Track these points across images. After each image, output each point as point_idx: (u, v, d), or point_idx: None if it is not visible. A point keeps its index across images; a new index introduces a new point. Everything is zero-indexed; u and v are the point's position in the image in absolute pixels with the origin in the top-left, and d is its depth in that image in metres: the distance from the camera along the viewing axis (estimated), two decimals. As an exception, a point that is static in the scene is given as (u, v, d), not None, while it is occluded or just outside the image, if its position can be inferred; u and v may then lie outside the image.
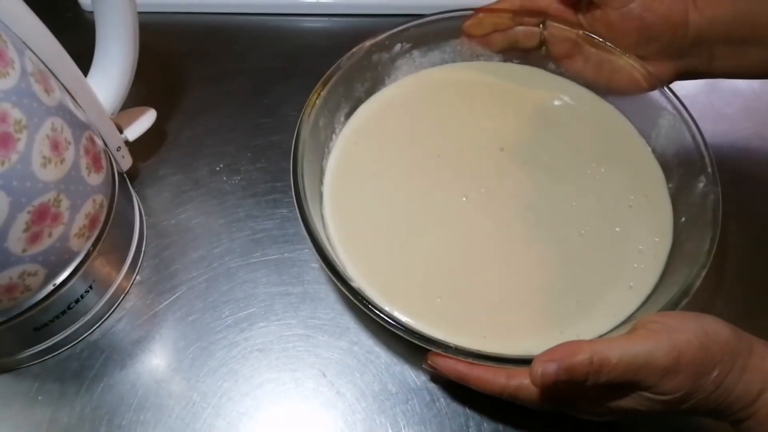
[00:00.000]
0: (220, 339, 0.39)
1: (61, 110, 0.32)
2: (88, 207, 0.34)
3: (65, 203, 0.32)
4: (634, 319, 0.36)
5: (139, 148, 0.45)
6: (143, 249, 0.43)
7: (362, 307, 0.34)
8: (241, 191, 0.45)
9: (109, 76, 0.39)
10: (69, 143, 0.32)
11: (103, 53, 0.40)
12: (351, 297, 0.34)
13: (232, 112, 0.49)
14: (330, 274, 0.35)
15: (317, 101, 0.41)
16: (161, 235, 0.44)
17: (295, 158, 0.38)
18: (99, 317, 0.40)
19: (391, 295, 0.37)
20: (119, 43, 0.39)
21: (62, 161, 0.32)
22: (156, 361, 0.39)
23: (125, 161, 0.43)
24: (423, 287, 0.38)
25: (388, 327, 0.33)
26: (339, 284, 0.34)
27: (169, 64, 0.52)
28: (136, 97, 0.44)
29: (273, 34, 0.54)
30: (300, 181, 0.38)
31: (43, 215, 0.31)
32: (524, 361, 0.32)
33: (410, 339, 0.33)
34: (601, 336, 0.36)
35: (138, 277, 0.42)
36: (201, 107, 0.50)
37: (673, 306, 0.34)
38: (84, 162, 0.34)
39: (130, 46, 0.39)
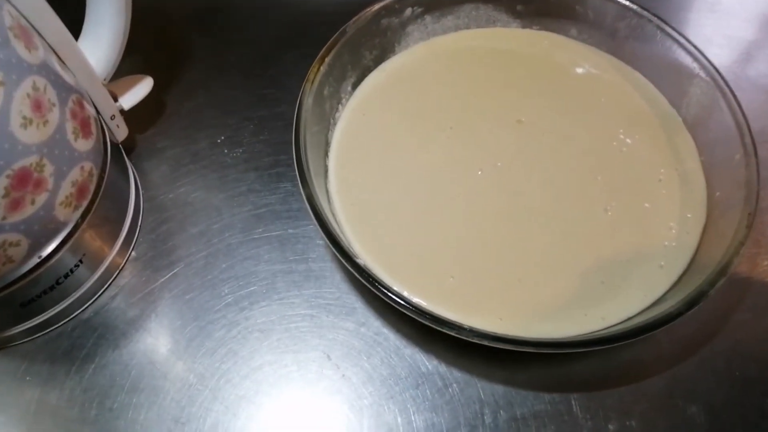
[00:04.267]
0: (219, 318, 0.37)
1: (45, 70, 0.30)
2: (75, 174, 0.32)
3: (49, 168, 0.30)
4: (664, 301, 0.33)
5: (136, 119, 0.42)
6: (139, 224, 0.40)
7: (369, 286, 0.31)
8: (243, 164, 0.43)
9: (101, 39, 0.37)
10: (53, 105, 0.30)
11: (94, 15, 0.37)
12: (357, 275, 0.32)
13: (234, 83, 0.47)
14: (335, 251, 0.32)
15: (321, 68, 0.38)
16: (158, 209, 0.41)
17: (298, 128, 0.36)
18: (91, 294, 0.37)
19: (400, 274, 0.35)
20: (111, 4, 0.36)
21: (45, 123, 0.29)
22: (151, 340, 0.36)
23: (120, 131, 0.40)
24: (434, 266, 0.35)
25: (396, 307, 0.31)
26: (344, 261, 0.32)
27: (168, 33, 0.50)
28: (133, 68, 0.42)
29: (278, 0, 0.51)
30: (303, 153, 0.35)
31: (23, 180, 0.28)
32: (544, 344, 0.30)
33: (420, 320, 0.31)
34: (629, 319, 0.33)
35: (133, 252, 0.39)
36: (201, 78, 0.47)
37: (709, 286, 0.31)
38: (70, 126, 0.31)
39: (122, 6, 0.36)
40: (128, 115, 0.41)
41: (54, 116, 0.30)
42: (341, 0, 0.50)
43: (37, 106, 0.29)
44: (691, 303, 0.31)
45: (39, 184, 0.29)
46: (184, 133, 0.44)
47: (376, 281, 0.31)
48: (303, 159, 0.35)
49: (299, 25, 0.49)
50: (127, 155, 0.42)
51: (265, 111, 0.45)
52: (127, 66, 0.41)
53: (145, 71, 0.42)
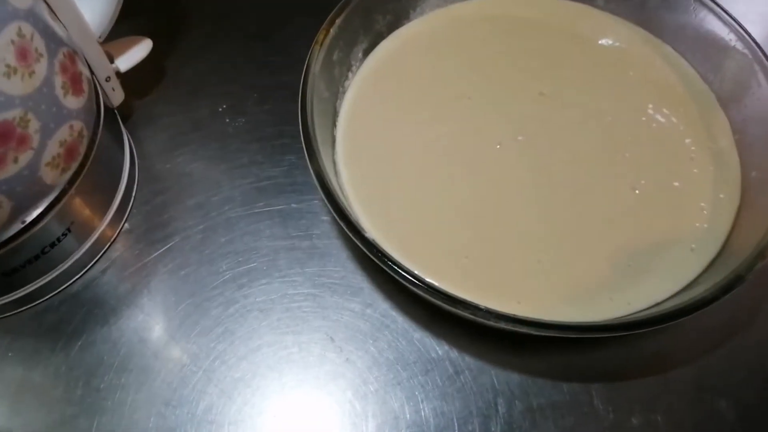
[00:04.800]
0: (216, 296, 0.35)
1: (33, 17, 0.28)
2: (63, 133, 0.29)
3: (34, 124, 0.27)
4: (696, 286, 0.31)
5: (134, 85, 0.40)
6: (133, 194, 0.38)
7: (378, 262, 0.29)
8: (246, 135, 0.40)
9: (96, -7, 0.35)
10: (41, 55, 0.28)
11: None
12: (365, 250, 0.29)
13: (238, 49, 0.44)
14: (341, 224, 0.30)
15: (331, 30, 0.35)
16: (155, 179, 0.39)
17: (304, 94, 0.33)
18: (80, 267, 0.35)
19: (411, 253, 0.32)
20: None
21: (31, 74, 0.27)
22: (142, 318, 0.34)
23: (116, 95, 0.38)
24: (448, 245, 0.33)
25: (407, 285, 0.28)
26: (351, 234, 0.29)
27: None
28: (132, 31, 0.40)
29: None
30: (309, 121, 0.33)
31: (6, 136, 0.26)
32: (567, 328, 0.27)
33: (433, 300, 0.28)
34: (657, 305, 0.30)
35: (126, 224, 0.37)
36: (204, 43, 0.44)
37: (747, 270, 0.28)
38: (59, 80, 0.29)
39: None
40: (125, 81, 0.38)
41: (41, 68, 0.28)
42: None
43: (23, 54, 0.26)
44: (726, 287, 0.28)
45: (23, 140, 0.27)
46: (184, 101, 0.42)
47: (386, 257, 0.29)
48: (310, 127, 0.32)
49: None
50: (123, 122, 0.39)
51: (269, 79, 0.43)
52: (126, 29, 0.39)
53: (144, 35, 0.40)
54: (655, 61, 0.38)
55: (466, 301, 0.28)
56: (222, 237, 0.36)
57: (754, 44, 0.35)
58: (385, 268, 0.29)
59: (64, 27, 0.32)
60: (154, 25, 0.45)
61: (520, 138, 0.35)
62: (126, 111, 0.41)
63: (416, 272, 0.31)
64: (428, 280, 0.31)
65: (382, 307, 0.34)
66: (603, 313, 0.30)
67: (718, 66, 0.37)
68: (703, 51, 0.37)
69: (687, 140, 0.35)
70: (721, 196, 0.34)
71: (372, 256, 0.29)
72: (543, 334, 0.27)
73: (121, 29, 0.38)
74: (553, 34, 0.40)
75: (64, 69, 0.30)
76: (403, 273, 0.28)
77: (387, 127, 0.37)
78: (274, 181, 0.39)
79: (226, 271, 0.35)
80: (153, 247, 0.36)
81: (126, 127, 0.40)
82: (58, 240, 0.32)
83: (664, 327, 0.28)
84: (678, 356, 0.33)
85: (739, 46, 0.35)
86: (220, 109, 0.41)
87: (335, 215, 0.30)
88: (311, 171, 0.31)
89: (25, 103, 0.27)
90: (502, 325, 0.27)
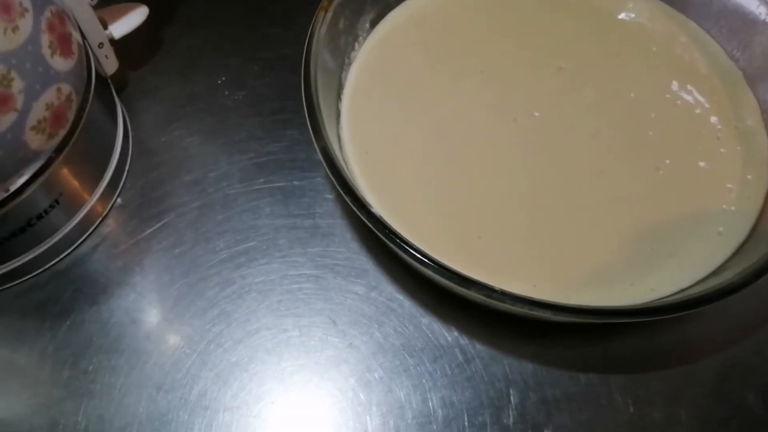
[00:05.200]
0: (212, 276, 0.33)
1: (17, -32, 0.25)
2: (49, 96, 0.27)
3: (18, 84, 0.25)
4: (724, 271, 0.29)
5: (129, 55, 0.38)
6: (127, 168, 0.36)
7: (385, 239, 0.27)
8: (245, 109, 0.38)
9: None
10: (26, 10, 0.26)
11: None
12: (371, 226, 0.27)
13: (239, 20, 0.42)
14: (348, 199, 0.28)
15: (337, -4, 0.33)
16: (150, 153, 0.37)
17: (308, 62, 0.31)
18: (70, 242, 0.33)
19: (420, 232, 0.30)
20: None
21: (15, 29, 0.25)
22: (134, 297, 0.32)
23: (109, 63, 0.36)
24: (460, 224, 0.31)
25: (416, 264, 0.27)
26: (357, 210, 0.27)
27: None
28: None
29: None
30: (313, 91, 0.31)
31: (-15, 95, 0.24)
32: (586, 312, 0.25)
33: (444, 281, 0.26)
34: (682, 291, 0.28)
35: (119, 199, 0.35)
36: (203, 13, 0.42)
37: (781, 254, 0.26)
38: (46, 39, 0.27)
39: None
40: (121, 51, 0.36)
41: (26, 23, 0.26)
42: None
43: (5, 7, 0.24)
44: (757, 273, 0.26)
45: (6, 101, 0.25)
46: (181, 73, 0.40)
47: (394, 234, 0.27)
48: (314, 95, 0.30)
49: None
50: (117, 94, 0.37)
51: (270, 52, 0.41)
52: (122, -5, 0.37)
53: (142, 3, 0.38)
54: (679, 37, 0.36)
55: (480, 282, 0.26)
56: (219, 215, 0.35)
57: (786, 18, 0.33)
58: (392, 246, 0.27)
59: (54, -15, 0.30)
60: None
61: (536, 113, 0.33)
62: (121, 82, 0.39)
63: (426, 251, 0.30)
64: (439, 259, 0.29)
65: (387, 289, 0.32)
66: (624, 299, 0.28)
67: (746, 42, 0.35)
68: (730, 26, 0.35)
69: (713, 119, 0.33)
70: (749, 177, 0.32)
71: (379, 233, 0.27)
72: (560, 318, 0.25)
73: (117, -5, 0.36)
74: (572, 7, 0.38)
75: (51, 27, 0.28)
76: (411, 251, 0.26)
77: (395, 101, 0.35)
78: (274, 157, 0.37)
79: (222, 250, 0.33)
80: (146, 223, 0.34)
81: (120, 99, 0.38)
82: (45, 212, 0.31)
83: (688, 315, 0.26)
84: (703, 346, 0.31)
85: (770, 20, 0.33)
86: (219, 82, 0.39)
87: (341, 190, 0.28)
88: (316, 146, 0.29)
89: (8, 60, 0.25)
90: (518, 308, 0.26)
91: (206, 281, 0.33)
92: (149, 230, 0.34)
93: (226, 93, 0.39)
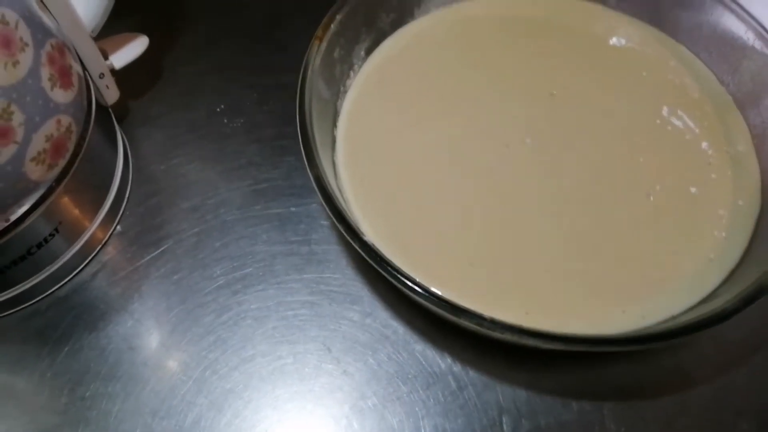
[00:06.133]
0: (209, 302, 0.33)
1: (18, 4, 0.26)
2: (49, 127, 0.28)
3: (18, 117, 0.26)
4: (715, 298, 0.29)
5: (130, 84, 0.39)
6: (126, 195, 0.36)
7: (377, 267, 0.27)
8: (244, 136, 0.39)
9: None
10: (26, 44, 0.26)
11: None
12: (363, 254, 0.28)
13: (239, 48, 0.43)
14: (340, 227, 0.28)
15: (332, 26, 0.34)
16: (149, 181, 0.37)
17: (303, 91, 0.32)
18: (70, 269, 0.34)
19: (413, 259, 0.30)
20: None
21: (15, 64, 0.26)
22: (132, 323, 0.33)
23: (110, 93, 0.37)
24: (452, 250, 0.31)
25: (407, 293, 0.27)
26: (350, 238, 0.28)
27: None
28: (130, 28, 0.38)
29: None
30: (308, 120, 0.31)
31: (-14, 129, 0.25)
32: (575, 341, 0.25)
33: (435, 308, 0.27)
34: (673, 318, 0.29)
35: (119, 227, 0.36)
36: (203, 41, 0.43)
37: (770, 282, 0.27)
38: (46, 72, 0.28)
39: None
40: (122, 79, 0.37)
41: (26, 58, 0.26)
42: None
43: (6, 42, 0.25)
44: (748, 299, 0.26)
45: (6, 133, 0.26)
46: (182, 100, 0.41)
47: (386, 262, 0.27)
48: (308, 124, 0.31)
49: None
50: (118, 122, 0.38)
51: (270, 79, 0.41)
52: (124, 26, 0.38)
53: (142, 32, 0.39)
54: (669, 62, 0.37)
55: (470, 310, 0.26)
56: (217, 241, 0.35)
57: (775, 44, 0.33)
58: (384, 273, 0.27)
59: (55, 19, 0.31)
60: (153, 22, 0.44)
61: (528, 140, 0.34)
62: (122, 111, 0.40)
63: (418, 279, 0.30)
64: (430, 287, 0.30)
65: (382, 316, 0.33)
66: (615, 327, 0.29)
67: (735, 67, 0.35)
68: (720, 51, 0.36)
69: (704, 144, 0.34)
70: (740, 203, 0.32)
71: (371, 261, 0.27)
72: (551, 347, 0.25)
73: (119, 25, 0.37)
74: (563, 33, 0.38)
75: (51, 60, 0.28)
76: (402, 279, 0.27)
77: (390, 128, 0.35)
78: (272, 184, 0.37)
79: (219, 277, 0.34)
80: (145, 250, 0.35)
81: (121, 127, 0.39)
82: (45, 240, 0.31)
83: (681, 342, 0.26)
84: (696, 374, 0.31)
85: (758, 45, 0.33)
86: (218, 109, 0.40)
87: (333, 218, 0.29)
88: (310, 175, 0.30)
89: (8, 94, 0.25)
90: (508, 336, 0.26)
91: (203, 308, 0.33)
92: (148, 257, 0.35)
93: (225, 120, 0.40)
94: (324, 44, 0.34)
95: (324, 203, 0.29)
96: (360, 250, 0.28)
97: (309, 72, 0.32)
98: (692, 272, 0.30)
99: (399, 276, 0.27)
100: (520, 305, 0.29)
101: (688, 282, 0.30)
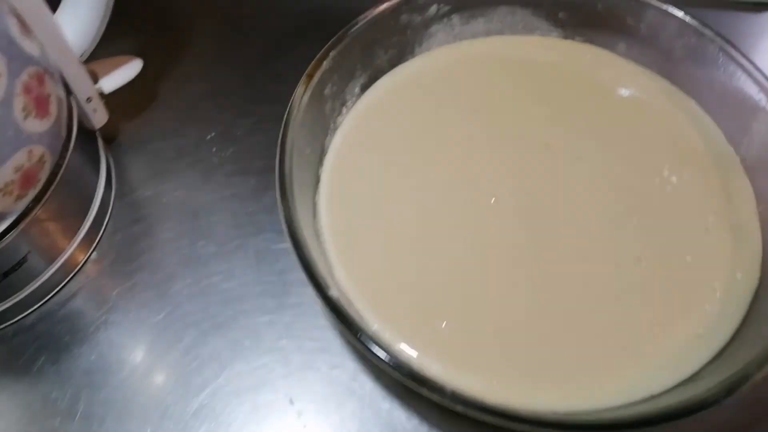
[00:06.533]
0: (175, 343, 0.32)
1: (-10, 34, 0.26)
2: (19, 158, 0.27)
3: (-19, 150, 0.25)
4: (700, 379, 0.27)
5: (123, 107, 0.38)
6: (105, 221, 0.36)
7: (337, 322, 0.26)
8: (232, 166, 0.38)
9: (79, 10, 0.33)
10: (0, 74, 0.26)
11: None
12: (324, 307, 0.26)
13: (236, 75, 0.42)
14: (306, 276, 0.27)
15: (324, 63, 0.33)
16: (131, 207, 0.37)
17: (287, 124, 0.31)
18: (38, 298, 0.33)
19: (385, 312, 0.29)
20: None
21: (-19, 96, 0.25)
22: (94, 359, 0.32)
23: (97, 116, 0.36)
24: (427, 306, 0.30)
25: (361, 350, 0.25)
26: (314, 289, 0.27)
27: (169, 16, 0.46)
28: (127, 51, 0.38)
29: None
30: (287, 155, 0.30)
31: (-56, 161, 0.24)
32: (542, 423, 0.24)
33: (391, 373, 0.25)
34: (653, 397, 0.27)
35: (94, 253, 0.35)
36: (200, 67, 0.43)
37: (758, 366, 0.25)
38: (20, 102, 0.27)
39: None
40: (115, 102, 0.37)
41: (-4, 88, 0.26)
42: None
43: (-29, 74, 0.25)
44: (730, 388, 0.24)
45: (-34, 166, 0.25)
46: (172, 126, 0.40)
47: (347, 319, 0.26)
48: (286, 163, 0.30)
49: (314, 17, 0.45)
50: (108, 142, 0.38)
51: (264, 109, 0.41)
52: (121, 48, 0.38)
53: (138, 55, 0.39)
54: (677, 117, 0.35)
55: (429, 379, 0.25)
56: (189, 277, 0.34)
57: (788, 107, 0.31)
58: (344, 330, 0.26)
59: (39, 43, 0.30)
60: (150, 46, 0.43)
61: (516, 195, 0.32)
62: (112, 132, 0.39)
63: (385, 334, 0.29)
64: (400, 345, 0.28)
65: (351, 368, 0.31)
66: (590, 402, 0.27)
67: (745, 128, 0.33)
68: (731, 110, 0.34)
69: (704, 209, 0.32)
70: (738, 275, 0.30)
71: (332, 315, 0.26)
72: (510, 426, 0.24)
73: (115, 48, 0.37)
74: (568, 80, 0.37)
75: (27, 89, 0.28)
76: (361, 341, 0.25)
77: (375, 171, 0.34)
78: (253, 218, 0.36)
79: (188, 315, 0.33)
80: (117, 281, 0.34)
81: (110, 149, 0.38)
82: (13, 268, 0.31)
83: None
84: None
85: (771, 108, 0.31)
86: (208, 137, 0.39)
87: (300, 265, 0.27)
88: (281, 216, 0.29)
89: (-29, 127, 0.25)
90: (469, 412, 0.24)
91: (169, 348, 0.32)
92: (119, 288, 0.34)
93: (215, 149, 0.39)
94: (315, 81, 0.33)
95: (293, 248, 0.28)
96: (322, 303, 0.26)
97: (295, 110, 0.31)
98: (678, 348, 0.28)
99: (358, 339, 0.25)
100: (489, 370, 0.28)
101: (672, 358, 0.28)
